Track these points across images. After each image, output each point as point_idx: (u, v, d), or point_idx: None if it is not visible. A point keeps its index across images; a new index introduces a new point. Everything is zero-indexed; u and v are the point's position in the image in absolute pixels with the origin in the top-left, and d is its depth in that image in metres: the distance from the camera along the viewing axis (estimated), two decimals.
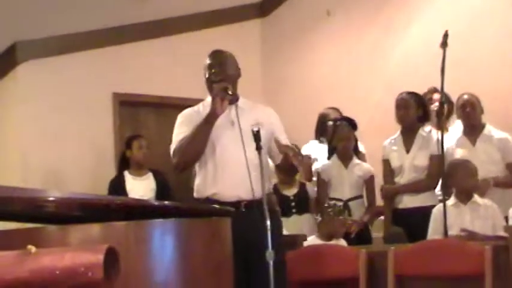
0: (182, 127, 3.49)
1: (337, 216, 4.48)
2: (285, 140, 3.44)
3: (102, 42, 6.34)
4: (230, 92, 3.26)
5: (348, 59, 6.52)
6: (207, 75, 3.47)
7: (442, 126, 3.96)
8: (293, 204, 5.01)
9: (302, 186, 5.11)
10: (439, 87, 3.97)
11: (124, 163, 5.71)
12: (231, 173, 3.22)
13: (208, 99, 3.45)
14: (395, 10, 6.20)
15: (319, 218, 4.52)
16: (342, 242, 4.45)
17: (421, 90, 4.97)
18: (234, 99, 3.39)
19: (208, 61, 3.51)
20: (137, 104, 6.65)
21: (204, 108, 3.45)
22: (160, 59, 6.64)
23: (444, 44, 3.82)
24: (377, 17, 6.32)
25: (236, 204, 3.12)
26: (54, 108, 6.09)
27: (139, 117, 6.73)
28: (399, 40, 6.14)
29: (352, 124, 5.06)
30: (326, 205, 4.61)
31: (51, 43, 6.09)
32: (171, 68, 6.67)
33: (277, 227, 3.39)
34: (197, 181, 3.51)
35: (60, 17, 5.83)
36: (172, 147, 3.48)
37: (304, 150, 5.31)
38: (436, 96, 4.92)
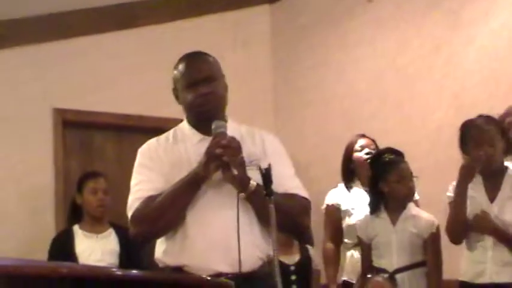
0: (143, 172, 3.49)
1: None
2: (288, 176, 3.49)
3: (38, 35, 6.36)
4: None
5: (396, 62, 6.48)
6: (190, 97, 3.51)
7: None
8: (293, 276, 5.23)
9: (304, 252, 5.36)
10: None
11: (75, 213, 5.66)
12: (207, 239, 3.31)
13: (185, 124, 3.53)
14: None
15: None
16: None
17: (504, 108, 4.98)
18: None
19: (183, 70, 3.57)
20: (89, 125, 6.71)
21: (175, 141, 3.50)
22: (123, 61, 6.68)
23: None
24: (440, 4, 6.22)
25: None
26: None
27: (93, 145, 6.79)
28: (472, 37, 6.01)
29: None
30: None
31: None
32: (139, 73, 6.71)
33: None
34: (161, 248, 3.50)
35: None
36: (132, 207, 3.43)
37: (330, 199, 5.48)
38: None
